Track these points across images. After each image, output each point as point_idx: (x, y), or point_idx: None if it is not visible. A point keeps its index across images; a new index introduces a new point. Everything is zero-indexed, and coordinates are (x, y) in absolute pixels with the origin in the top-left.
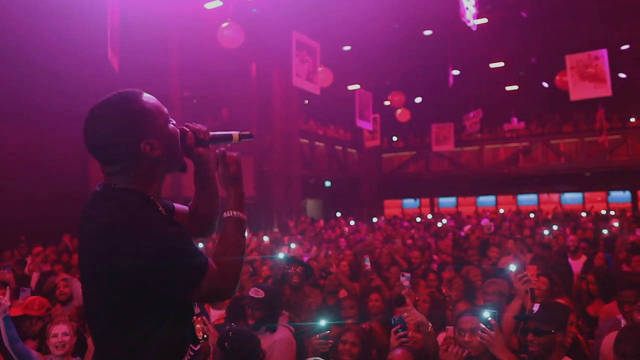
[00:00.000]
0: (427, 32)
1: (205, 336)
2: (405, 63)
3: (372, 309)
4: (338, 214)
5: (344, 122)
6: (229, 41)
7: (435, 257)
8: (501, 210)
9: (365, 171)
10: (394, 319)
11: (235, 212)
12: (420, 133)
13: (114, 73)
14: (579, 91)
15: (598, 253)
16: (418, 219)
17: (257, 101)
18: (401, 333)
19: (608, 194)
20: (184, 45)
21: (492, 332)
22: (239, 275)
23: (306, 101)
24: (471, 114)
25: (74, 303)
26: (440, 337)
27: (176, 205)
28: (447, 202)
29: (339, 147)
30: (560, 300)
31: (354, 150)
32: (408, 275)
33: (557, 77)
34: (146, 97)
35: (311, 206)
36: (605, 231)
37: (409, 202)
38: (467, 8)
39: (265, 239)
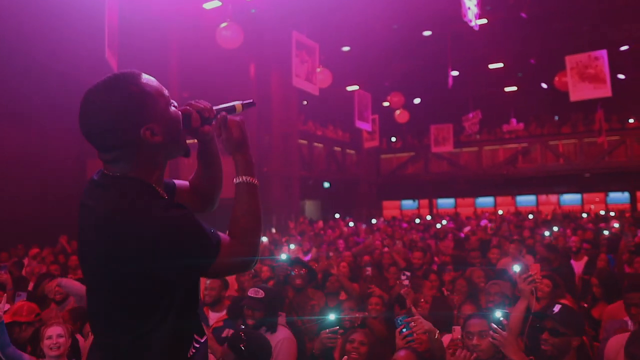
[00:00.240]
0: (427, 33)
1: None
2: (405, 64)
3: (372, 312)
4: (337, 215)
5: (343, 123)
6: (228, 41)
7: (435, 258)
8: (500, 212)
9: (363, 172)
10: (397, 320)
11: (245, 177)
12: (419, 134)
13: (113, 73)
14: (579, 92)
15: (600, 254)
16: (417, 220)
17: (256, 101)
18: (406, 332)
19: (607, 195)
20: (183, 46)
21: (504, 333)
22: (258, 243)
23: (305, 102)
24: (470, 115)
25: (68, 301)
26: (445, 340)
27: (177, 182)
28: (445, 203)
29: (337, 148)
30: (563, 301)
31: (352, 151)
32: (408, 274)
33: (557, 78)
34: (145, 78)
35: (309, 207)
36: (606, 232)
37: (408, 203)
38: (469, 8)
39: (264, 239)
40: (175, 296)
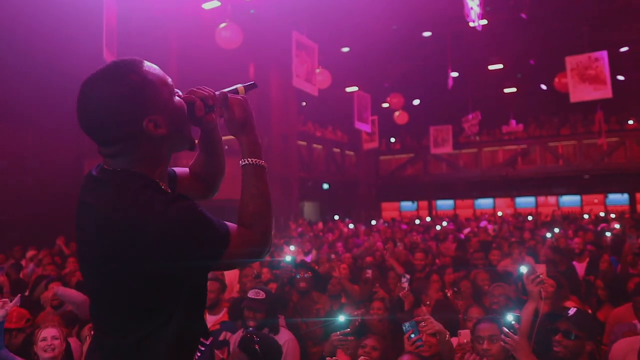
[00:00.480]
0: (426, 34)
1: None
2: (404, 65)
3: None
4: (336, 217)
5: (342, 124)
6: (227, 42)
7: (437, 260)
8: (499, 213)
9: (362, 173)
10: (405, 325)
11: (251, 160)
12: (418, 135)
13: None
14: (579, 93)
15: (603, 256)
16: (417, 221)
17: (255, 102)
18: (415, 338)
19: (606, 197)
20: (182, 46)
21: (516, 337)
22: (270, 228)
23: (304, 103)
24: (470, 116)
25: (66, 306)
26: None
27: (177, 170)
28: (444, 204)
29: (336, 150)
30: (569, 302)
31: (351, 153)
32: (408, 277)
33: (557, 79)
34: (147, 65)
35: (308, 209)
36: (608, 234)
37: (407, 205)
38: (472, 8)
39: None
40: (181, 296)
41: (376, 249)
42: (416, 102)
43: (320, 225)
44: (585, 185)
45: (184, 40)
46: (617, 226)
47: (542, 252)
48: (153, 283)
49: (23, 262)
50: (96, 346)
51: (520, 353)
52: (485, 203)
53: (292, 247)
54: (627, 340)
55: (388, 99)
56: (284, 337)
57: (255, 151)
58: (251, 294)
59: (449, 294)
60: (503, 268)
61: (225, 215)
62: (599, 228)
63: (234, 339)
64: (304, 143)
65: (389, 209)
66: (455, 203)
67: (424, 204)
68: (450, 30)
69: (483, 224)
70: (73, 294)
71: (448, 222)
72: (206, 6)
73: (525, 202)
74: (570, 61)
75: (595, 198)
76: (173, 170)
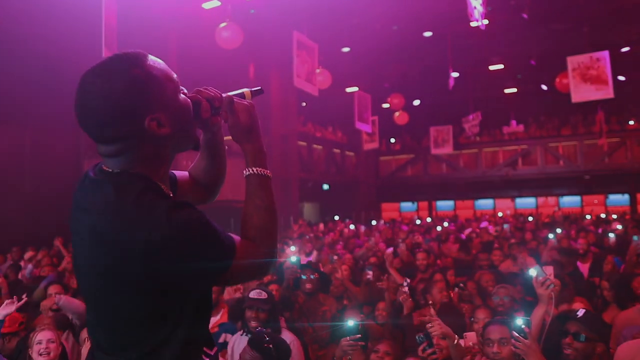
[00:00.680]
0: (427, 34)
1: None
2: (405, 65)
3: (378, 318)
4: (336, 218)
5: (342, 125)
6: (227, 42)
7: (438, 261)
8: (500, 214)
9: (362, 174)
10: (418, 337)
11: (255, 169)
12: (418, 136)
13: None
14: (581, 93)
15: (607, 257)
16: (418, 222)
17: (255, 102)
18: (429, 351)
19: (607, 197)
20: (182, 46)
21: (527, 341)
22: (275, 241)
23: (304, 103)
24: (470, 117)
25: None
26: None
27: (177, 174)
28: (445, 205)
29: (336, 150)
30: (577, 304)
31: (351, 153)
32: (408, 280)
33: (558, 80)
34: (152, 60)
35: (308, 210)
36: (611, 234)
37: (407, 206)
38: (475, 7)
39: None
40: (185, 307)
41: (378, 250)
42: (416, 102)
43: (322, 226)
44: (585, 185)
45: (184, 40)
46: (619, 227)
47: (544, 253)
48: (154, 294)
49: (22, 263)
50: None
51: (531, 357)
52: (485, 204)
53: (292, 248)
54: (633, 342)
55: (388, 99)
56: (288, 338)
57: (260, 160)
58: (253, 294)
59: (452, 295)
60: (506, 269)
61: (226, 215)
62: (599, 229)
63: (234, 340)
64: (304, 143)
65: (389, 210)
66: (455, 204)
67: (424, 204)
68: (450, 30)
69: (484, 224)
70: (75, 303)
71: (449, 223)
72: (206, 6)
73: (525, 202)
74: (572, 61)
75: (596, 199)
76: (173, 173)
